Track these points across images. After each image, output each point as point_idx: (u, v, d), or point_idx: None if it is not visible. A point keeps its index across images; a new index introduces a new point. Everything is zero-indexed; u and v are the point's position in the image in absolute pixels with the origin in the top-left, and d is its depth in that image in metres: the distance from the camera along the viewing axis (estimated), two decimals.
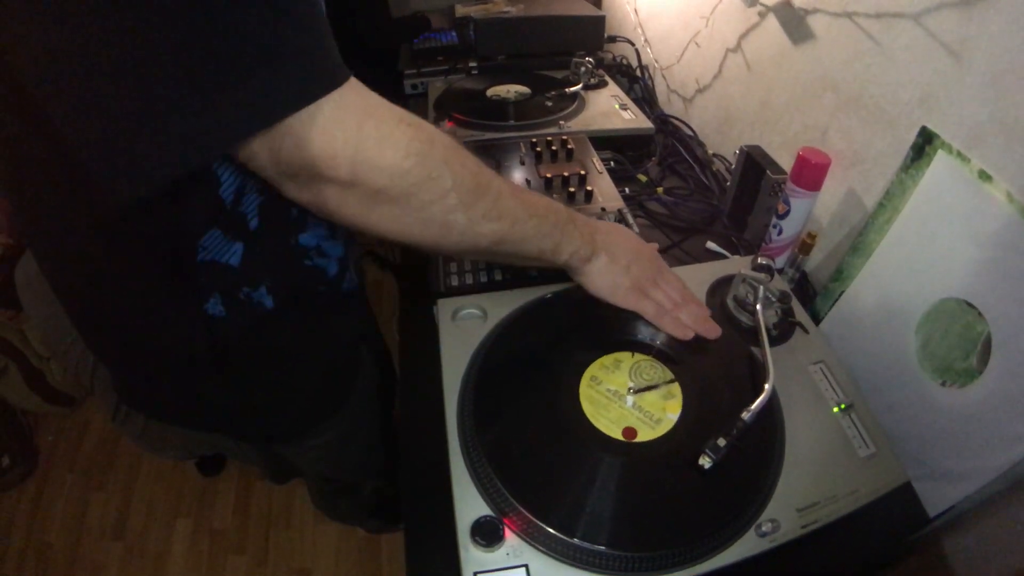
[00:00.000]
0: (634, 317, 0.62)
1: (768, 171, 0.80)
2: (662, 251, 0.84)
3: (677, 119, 1.17)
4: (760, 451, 0.53)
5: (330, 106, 0.39)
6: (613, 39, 1.43)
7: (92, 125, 0.37)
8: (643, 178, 1.02)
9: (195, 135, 0.36)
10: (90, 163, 0.37)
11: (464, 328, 0.63)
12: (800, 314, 0.66)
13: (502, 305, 0.65)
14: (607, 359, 0.60)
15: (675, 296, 0.63)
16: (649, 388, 0.58)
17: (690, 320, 0.62)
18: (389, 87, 1.56)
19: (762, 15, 0.90)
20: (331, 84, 0.39)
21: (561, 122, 1.06)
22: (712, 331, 0.61)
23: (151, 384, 0.63)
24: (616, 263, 0.61)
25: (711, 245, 0.88)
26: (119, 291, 0.53)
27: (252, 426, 0.70)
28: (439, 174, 0.46)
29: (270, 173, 0.43)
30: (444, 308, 0.65)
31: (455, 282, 0.71)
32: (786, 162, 0.81)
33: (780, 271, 0.79)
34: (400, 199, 0.45)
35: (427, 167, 0.45)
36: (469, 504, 0.49)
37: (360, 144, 0.41)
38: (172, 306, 0.53)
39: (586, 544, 0.46)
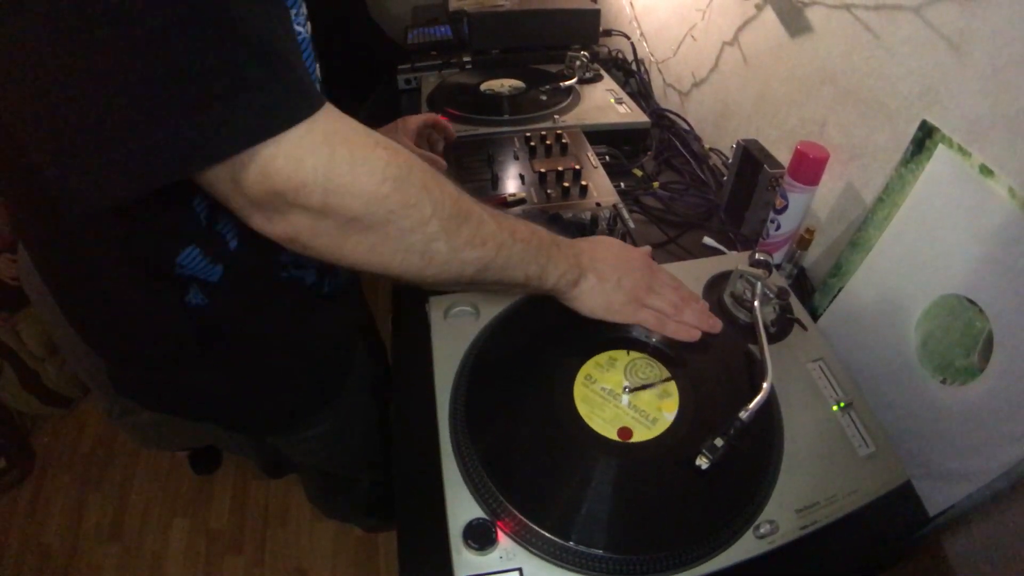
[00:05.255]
0: None
1: (765, 165, 0.79)
2: (657, 247, 0.83)
3: (673, 113, 1.16)
4: (758, 451, 0.52)
5: (298, 132, 0.37)
6: (608, 33, 1.42)
7: (47, 142, 0.36)
8: (639, 173, 1.01)
9: (143, 162, 0.35)
10: (48, 176, 0.36)
11: (456, 326, 0.62)
12: (798, 310, 0.65)
13: (495, 303, 0.64)
14: (601, 357, 0.59)
15: (673, 298, 0.62)
16: (644, 387, 0.57)
17: (694, 319, 0.61)
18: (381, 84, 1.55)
19: (759, 8, 0.89)
20: (295, 115, 0.37)
21: (556, 116, 1.04)
22: (715, 326, 0.61)
23: (142, 372, 0.64)
24: (606, 281, 0.59)
25: (708, 240, 0.87)
26: (100, 283, 0.53)
27: (241, 416, 0.69)
28: (418, 200, 0.43)
29: (235, 203, 0.40)
30: (436, 306, 0.64)
31: None
32: (784, 156, 0.80)
33: (778, 267, 0.78)
34: (377, 227, 0.42)
35: (405, 193, 0.42)
36: (461, 506, 0.48)
37: (332, 170, 0.39)
38: (153, 297, 0.53)
39: (580, 547, 0.45)
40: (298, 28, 0.46)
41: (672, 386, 0.57)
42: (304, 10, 0.50)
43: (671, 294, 0.62)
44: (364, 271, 0.46)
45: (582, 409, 0.54)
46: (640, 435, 0.53)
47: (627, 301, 0.60)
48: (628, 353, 0.60)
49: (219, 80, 0.34)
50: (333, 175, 0.39)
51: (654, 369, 0.59)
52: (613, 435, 0.52)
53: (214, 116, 0.34)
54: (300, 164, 0.38)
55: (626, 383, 0.57)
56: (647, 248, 0.67)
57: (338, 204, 0.40)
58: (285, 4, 0.42)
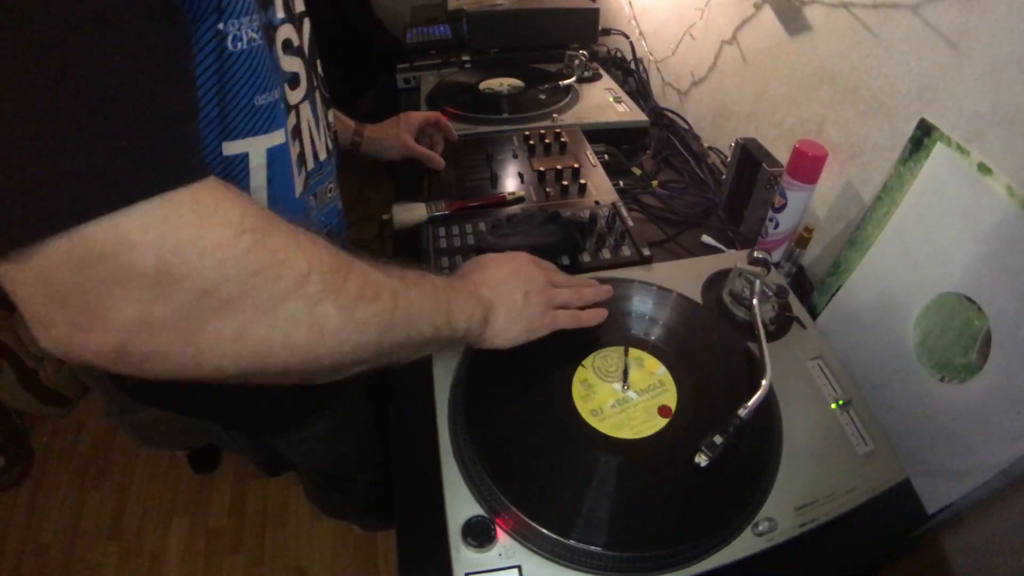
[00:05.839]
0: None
1: (764, 164, 0.79)
2: (656, 245, 0.83)
3: (672, 112, 1.16)
4: (757, 448, 0.52)
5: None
6: (607, 32, 1.42)
7: None
8: (637, 171, 1.01)
9: None
10: None
11: None
12: (797, 309, 0.65)
13: None
14: (578, 389, 0.57)
15: (570, 283, 0.62)
16: (626, 372, 0.58)
17: (593, 296, 0.62)
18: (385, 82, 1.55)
19: (758, 6, 0.89)
20: (134, 192, 0.28)
21: (555, 115, 1.05)
22: (609, 292, 0.63)
23: None
24: (513, 304, 0.54)
25: (707, 239, 0.87)
26: None
27: (239, 415, 0.69)
28: (288, 255, 0.34)
29: (22, 293, 0.28)
30: None
31: None
32: (782, 155, 0.80)
33: (776, 265, 0.78)
34: (242, 298, 0.32)
35: (271, 247, 0.33)
36: (460, 504, 0.48)
37: (169, 221, 0.28)
38: None
39: (580, 544, 0.45)
40: (251, 35, 0.42)
41: (634, 351, 0.59)
42: (272, 16, 0.48)
43: (566, 280, 0.62)
44: (238, 377, 0.34)
45: (625, 434, 0.53)
46: (669, 400, 0.55)
47: (541, 312, 0.56)
48: (583, 364, 0.59)
49: (30, 145, 0.26)
50: (172, 228, 0.29)
51: (611, 355, 0.59)
52: (661, 423, 0.53)
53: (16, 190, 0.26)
54: (124, 218, 0.28)
55: (616, 384, 0.57)
56: (519, 253, 0.62)
57: (182, 268, 0.29)
58: (180, 33, 0.34)
